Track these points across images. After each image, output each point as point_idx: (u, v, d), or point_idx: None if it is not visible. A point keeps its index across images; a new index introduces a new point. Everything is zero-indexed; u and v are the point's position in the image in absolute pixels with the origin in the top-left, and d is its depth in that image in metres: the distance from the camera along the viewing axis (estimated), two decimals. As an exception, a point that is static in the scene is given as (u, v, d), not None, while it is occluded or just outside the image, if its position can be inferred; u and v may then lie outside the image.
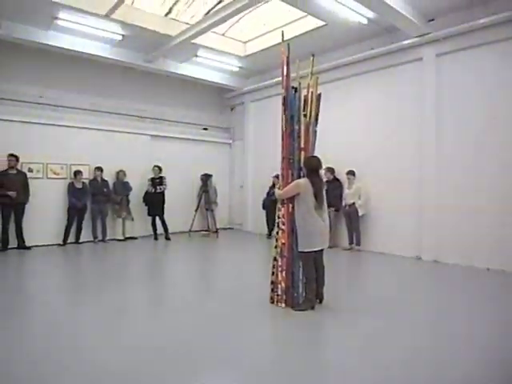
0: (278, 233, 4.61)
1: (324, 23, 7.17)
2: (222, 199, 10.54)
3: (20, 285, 5.53)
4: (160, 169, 8.99)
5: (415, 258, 7.17)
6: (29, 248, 7.45)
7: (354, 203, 7.89)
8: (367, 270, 6.79)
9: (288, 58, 4.75)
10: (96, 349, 3.30)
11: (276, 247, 4.58)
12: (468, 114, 6.63)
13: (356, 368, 3.04)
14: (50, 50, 7.69)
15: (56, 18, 6.74)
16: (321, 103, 4.94)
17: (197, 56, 8.68)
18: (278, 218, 4.63)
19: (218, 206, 10.18)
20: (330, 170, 8.37)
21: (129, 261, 7.28)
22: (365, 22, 6.86)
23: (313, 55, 5.19)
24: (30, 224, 7.52)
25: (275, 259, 4.56)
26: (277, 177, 9.58)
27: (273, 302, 4.49)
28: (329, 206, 8.24)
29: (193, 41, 8.05)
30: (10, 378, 2.81)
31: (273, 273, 4.56)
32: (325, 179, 8.39)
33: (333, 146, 8.56)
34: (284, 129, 4.65)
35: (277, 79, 9.58)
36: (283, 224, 4.57)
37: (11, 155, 7.26)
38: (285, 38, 8.08)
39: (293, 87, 4.69)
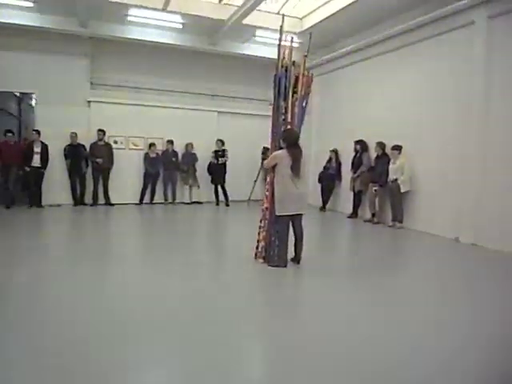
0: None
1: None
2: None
3: (110, 228, 7.61)
4: (222, 142, 10.01)
5: (454, 239, 6.81)
6: (113, 205, 9.30)
7: (396, 179, 7.71)
8: (386, 246, 6.75)
9: (280, 41, 5.10)
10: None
11: (262, 210, 5.17)
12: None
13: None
14: (128, 42, 9.18)
15: (126, 15, 8.11)
16: (312, 83, 5.22)
17: (255, 36, 9.29)
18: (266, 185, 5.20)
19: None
20: (380, 145, 8.26)
21: (186, 218, 8.72)
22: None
23: (310, 34, 5.45)
24: (114, 186, 9.36)
25: (261, 221, 5.15)
26: (334, 151, 9.78)
27: (256, 258, 5.12)
28: (373, 182, 8.34)
29: (250, 22, 8.71)
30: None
31: (259, 233, 5.17)
32: (375, 154, 8.40)
33: (383, 121, 8.45)
34: (273, 104, 5.11)
35: (337, 52, 9.70)
36: (267, 191, 5.11)
37: (100, 130, 9.09)
38: (330, 13, 8.27)
39: (282, 66, 5.06)
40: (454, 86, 6.95)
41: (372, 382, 2.47)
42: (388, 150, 8.05)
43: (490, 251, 6.06)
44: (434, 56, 7.35)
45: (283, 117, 5.00)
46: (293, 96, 5.04)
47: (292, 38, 5.32)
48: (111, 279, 4.37)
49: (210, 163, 10.06)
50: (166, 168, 9.76)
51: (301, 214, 4.95)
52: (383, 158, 8.16)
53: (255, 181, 10.46)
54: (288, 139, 4.81)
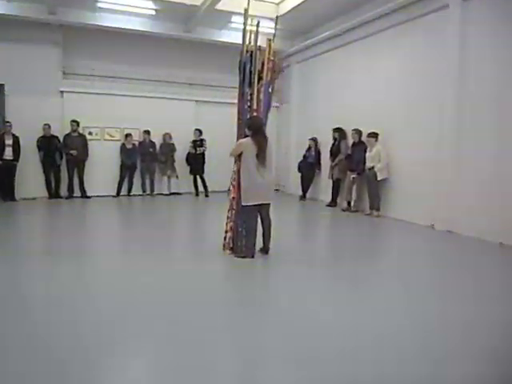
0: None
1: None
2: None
3: (88, 220, 7.52)
4: (200, 132, 9.84)
5: (429, 226, 6.77)
6: (89, 197, 9.13)
7: (373, 167, 7.63)
8: (361, 235, 6.65)
9: (245, 25, 4.96)
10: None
11: (230, 201, 5.06)
12: (497, 68, 5.79)
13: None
14: (101, 30, 8.93)
15: (96, 1, 7.86)
16: (282, 68, 5.10)
17: (231, 22, 9.09)
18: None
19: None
20: (358, 132, 8.17)
21: (163, 210, 8.62)
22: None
23: (276, 17, 5.30)
24: (90, 178, 9.18)
25: (228, 211, 5.05)
26: (313, 139, 9.66)
27: (224, 249, 5.03)
28: (351, 170, 8.26)
29: (225, 8, 8.52)
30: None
31: (226, 223, 5.07)
32: (351, 141, 8.31)
33: (362, 108, 8.34)
34: (238, 91, 4.98)
35: (315, 38, 9.53)
36: (234, 180, 5.00)
37: (73, 121, 8.87)
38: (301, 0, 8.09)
39: (247, 51, 4.92)
40: (429, 71, 6.84)
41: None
42: (365, 138, 7.96)
43: (464, 238, 6.03)
44: (409, 41, 7.24)
45: (248, 104, 4.88)
46: (258, 82, 4.91)
47: (258, 21, 5.16)
48: (79, 273, 4.23)
49: (189, 153, 9.90)
50: (143, 159, 9.58)
51: (268, 204, 4.85)
52: (360, 146, 8.07)
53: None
54: (253, 127, 4.68)
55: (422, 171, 6.92)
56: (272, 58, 4.95)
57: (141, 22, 8.91)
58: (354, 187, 8.25)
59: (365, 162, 7.85)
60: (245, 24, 4.96)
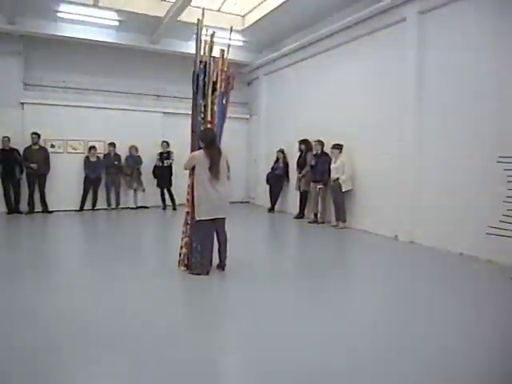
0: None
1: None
2: (239, 174, 10.80)
3: (46, 236, 7.08)
4: (168, 144, 9.69)
5: (393, 237, 6.75)
6: (51, 212, 8.81)
7: (338, 178, 7.61)
8: (325, 247, 6.55)
9: (198, 35, 4.89)
10: None
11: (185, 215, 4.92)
12: (453, 80, 5.87)
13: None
14: (64, 40, 8.75)
15: (56, 11, 7.69)
16: (234, 79, 5.04)
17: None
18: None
19: (232, 181, 10.49)
20: (320, 143, 8.17)
21: (127, 225, 8.35)
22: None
23: (231, 27, 5.26)
24: (52, 192, 8.87)
25: (184, 226, 4.90)
26: (281, 151, 9.62)
27: (179, 265, 4.86)
28: (316, 181, 8.23)
29: (190, 20, 8.46)
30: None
31: (182, 239, 4.91)
32: (314, 152, 8.28)
33: (327, 120, 8.36)
34: (192, 102, 4.88)
35: (280, 51, 9.56)
36: (188, 194, 4.86)
37: (34, 133, 8.58)
38: (266, 12, 8.15)
39: (201, 62, 4.84)
40: (389, 83, 6.91)
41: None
42: (329, 149, 7.95)
43: (426, 249, 6.03)
44: (370, 53, 7.32)
45: (202, 115, 4.78)
46: (213, 93, 4.82)
47: (214, 32, 5.09)
48: (28, 293, 3.97)
49: (155, 166, 9.71)
50: (108, 172, 9.34)
51: (223, 218, 4.72)
52: (323, 157, 8.06)
53: (204, 183, 10.17)
54: (206, 139, 4.55)
55: (385, 183, 6.94)
56: (225, 69, 4.87)
57: (104, 32, 8.77)
58: (319, 198, 8.21)
59: (329, 173, 7.84)
60: (198, 34, 4.89)
